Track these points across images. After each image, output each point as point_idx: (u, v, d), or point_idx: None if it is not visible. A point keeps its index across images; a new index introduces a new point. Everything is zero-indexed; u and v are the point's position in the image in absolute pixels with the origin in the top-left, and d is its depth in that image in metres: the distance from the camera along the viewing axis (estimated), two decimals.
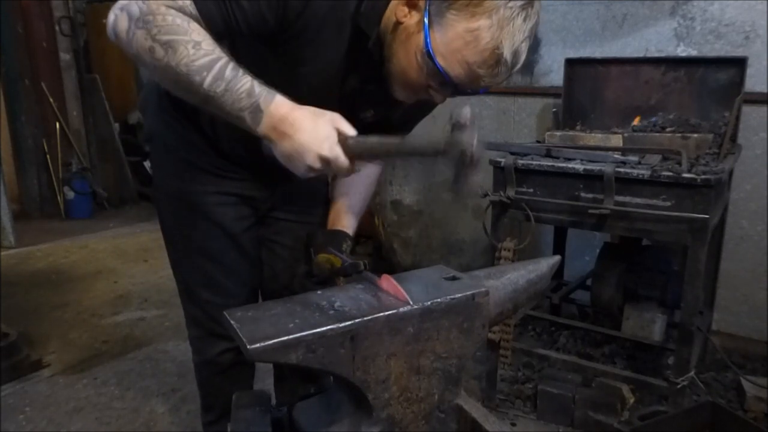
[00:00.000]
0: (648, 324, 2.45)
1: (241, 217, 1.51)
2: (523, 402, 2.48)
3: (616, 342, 2.67)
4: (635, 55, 2.82)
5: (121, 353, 2.98)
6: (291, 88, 1.09)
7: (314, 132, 1.04)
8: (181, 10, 1.04)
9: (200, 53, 1.02)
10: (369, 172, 1.54)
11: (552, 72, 3.09)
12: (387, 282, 1.08)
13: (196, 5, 1.05)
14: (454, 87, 1.14)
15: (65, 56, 5.75)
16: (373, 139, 1.09)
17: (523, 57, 1.10)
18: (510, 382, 2.60)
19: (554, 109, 2.78)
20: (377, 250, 3.98)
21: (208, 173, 1.44)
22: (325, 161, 1.05)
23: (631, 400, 2.36)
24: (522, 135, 3.24)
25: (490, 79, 1.11)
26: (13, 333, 2.82)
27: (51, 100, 5.51)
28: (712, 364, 2.66)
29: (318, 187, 1.64)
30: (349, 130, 1.08)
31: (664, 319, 2.45)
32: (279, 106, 1.05)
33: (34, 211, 5.66)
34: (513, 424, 2.36)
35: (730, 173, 2.37)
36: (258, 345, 0.88)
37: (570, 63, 2.79)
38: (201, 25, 1.06)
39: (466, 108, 0.98)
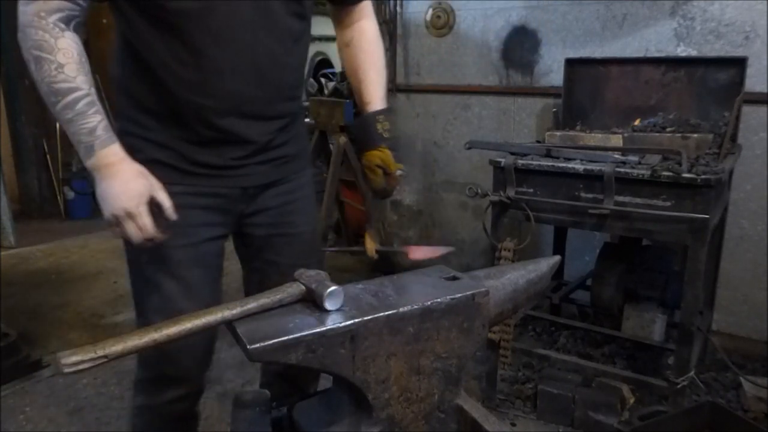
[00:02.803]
0: (648, 324, 2.45)
1: (208, 224, 1.37)
2: (523, 402, 2.48)
3: (616, 342, 2.67)
4: (635, 55, 2.81)
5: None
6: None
7: (128, 184, 1.16)
8: (58, 10, 1.12)
9: (60, 77, 1.12)
10: (368, 47, 1.49)
11: (552, 72, 3.10)
12: (418, 251, 1.11)
13: None
14: None
15: None
16: None
17: None
18: (510, 382, 2.60)
19: (554, 109, 2.78)
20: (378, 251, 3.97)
21: (176, 170, 1.33)
22: (129, 214, 1.15)
23: (631, 400, 2.36)
24: (522, 135, 3.24)
25: None
26: (13, 333, 2.82)
27: None
28: (712, 364, 2.66)
29: (300, 192, 1.51)
30: (165, 201, 1.19)
31: (664, 319, 2.45)
32: (110, 155, 1.17)
33: (34, 211, 5.66)
34: (513, 424, 2.36)
35: (730, 173, 2.37)
36: (258, 345, 0.88)
37: (570, 63, 2.79)
38: (79, 31, 1.15)
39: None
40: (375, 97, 1.43)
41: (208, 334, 1.38)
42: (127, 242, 1.36)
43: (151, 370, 1.46)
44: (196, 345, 1.40)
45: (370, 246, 1.37)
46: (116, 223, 1.17)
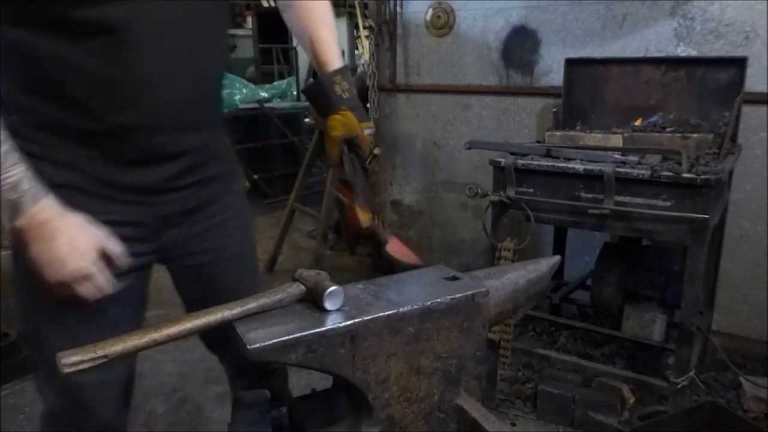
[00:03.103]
0: (648, 324, 2.45)
1: (131, 254, 1.15)
2: (523, 402, 2.48)
3: (616, 342, 2.67)
4: (635, 55, 2.82)
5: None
6: None
7: (76, 242, 1.02)
8: None
9: None
10: (314, 5, 1.35)
11: (552, 72, 3.10)
12: (398, 247, 1.09)
13: None
14: None
15: None
16: None
17: None
18: (510, 382, 2.60)
19: (554, 109, 2.78)
20: (377, 250, 3.98)
21: (87, 195, 1.12)
22: (85, 276, 1.02)
23: (631, 400, 2.36)
24: (522, 135, 3.24)
25: None
26: (13, 333, 2.82)
27: None
28: (712, 364, 2.66)
29: (231, 210, 1.37)
30: (115, 249, 1.07)
31: (664, 319, 2.45)
32: (44, 210, 1.01)
33: None
34: (513, 424, 2.36)
35: (730, 173, 2.38)
36: (258, 345, 0.88)
37: (570, 63, 2.79)
38: None
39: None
40: (331, 56, 1.31)
41: (126, 374, 1.29)
42: (22, 284, 1.17)
43: (65, 427, 1.26)
44: (115, 391, 1.27)
45: (364, 217, 1.28)
46: (67, 286, 1.01)
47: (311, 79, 4.51)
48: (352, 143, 1.27)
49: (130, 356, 1.06)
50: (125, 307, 1.22)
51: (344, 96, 1.26)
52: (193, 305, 1.28)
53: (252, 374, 1.46)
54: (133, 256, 1.16)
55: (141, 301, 1.30)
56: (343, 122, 1.25)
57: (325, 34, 1.33)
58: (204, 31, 1.17)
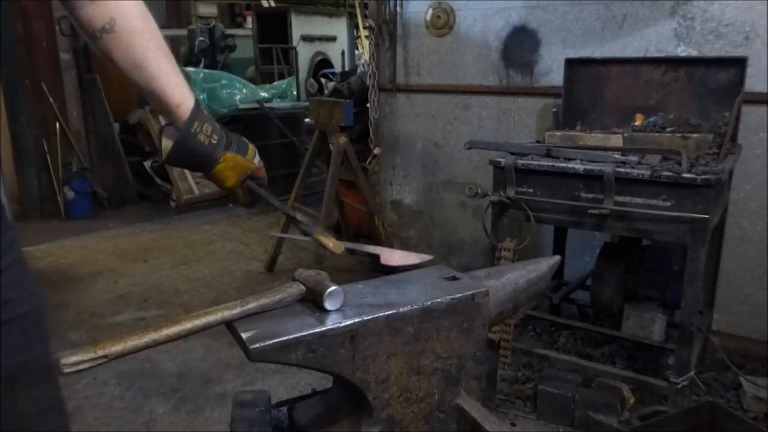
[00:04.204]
0: (648, 324, 2.45)
1: None
2: (523, 402, 2.48)
3: (616, 342, 2.67)
4: (635, 55, 2.82)
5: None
6: None
7: None
8: None
9: None
10: (143, 25, 1.04)
11: (552, 72, 3.10)
12: (392, 255, 1.10)
13: None
14: None
15: (65, 56, 5.74)
16: None
17: None
18: (510, 382, 2.60)
19: (554, 109, 2.78)
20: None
21: None
22: None
23: (631, 400, 2.36)
24: (522, 135, 3.24)
25: None
26: None
27: (51, 100, 5.50)
28: (712, 364, 2.66)
29: (9, 255, 1.05)
30: None
31: (664, 319, 2.45)
32: None
33: (34, 211, 5.65)
34: (513, 424, 2.36)
35: (730, 173, 2.37)
36: (258, 345, 0.88)
37: (570, 63, 2.79)
38: None
39: None
40: (181, 93, 1.07)
41: None
42: None
43: None
44: None
45: (333, 243, 1.15)
46: None
47: (311, 80, 4.47)
48: (251, 179, 1.15)
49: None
50: None
51: (213, 141, 1.08)
52: None
53: None
54: None
55: None
56: (229, 168, 1.10)
57: (166, 64, 1.05)
58: None
